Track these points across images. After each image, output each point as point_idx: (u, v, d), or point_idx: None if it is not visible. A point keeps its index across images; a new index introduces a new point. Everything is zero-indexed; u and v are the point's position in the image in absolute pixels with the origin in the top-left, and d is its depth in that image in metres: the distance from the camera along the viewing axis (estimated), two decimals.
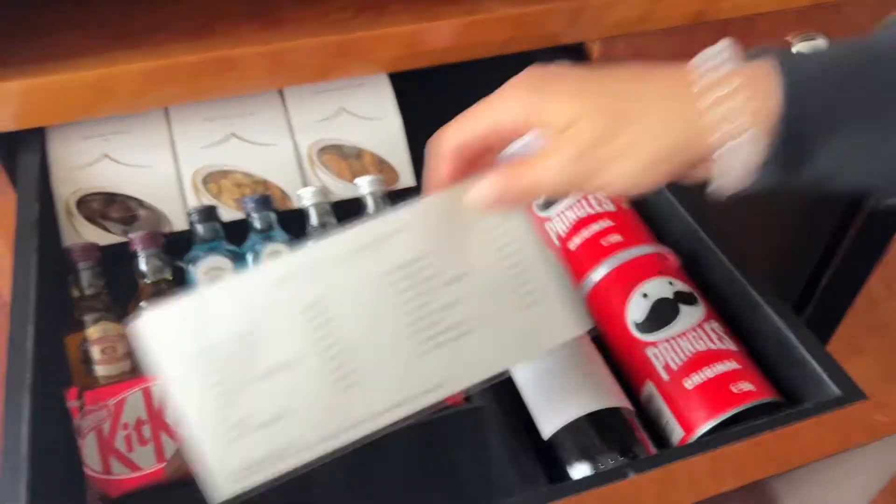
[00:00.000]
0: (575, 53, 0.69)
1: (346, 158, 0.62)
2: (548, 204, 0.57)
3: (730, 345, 0.45)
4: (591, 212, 0.54)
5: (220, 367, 0.36)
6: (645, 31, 0.68)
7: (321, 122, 0.63)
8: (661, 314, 0.47)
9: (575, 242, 0.53)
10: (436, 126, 0.69)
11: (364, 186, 0.56)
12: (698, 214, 0.52)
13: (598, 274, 0.51)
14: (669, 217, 0.54)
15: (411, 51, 0.62)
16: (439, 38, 0.62)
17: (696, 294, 0.48)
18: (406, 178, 0.63)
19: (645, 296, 0.48)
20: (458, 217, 0.39)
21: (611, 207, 0.54)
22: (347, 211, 0.57)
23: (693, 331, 0.46)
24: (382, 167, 0.62)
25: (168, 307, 0.37)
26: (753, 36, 0.73)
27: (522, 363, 0.45)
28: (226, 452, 0.36)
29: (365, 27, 0.60)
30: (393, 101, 0.64)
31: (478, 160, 0.39)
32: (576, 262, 0.53)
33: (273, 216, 0.55)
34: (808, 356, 0.43)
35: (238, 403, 0.36)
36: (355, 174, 0.60)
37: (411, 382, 0.38)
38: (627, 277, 0.49)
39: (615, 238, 0.52)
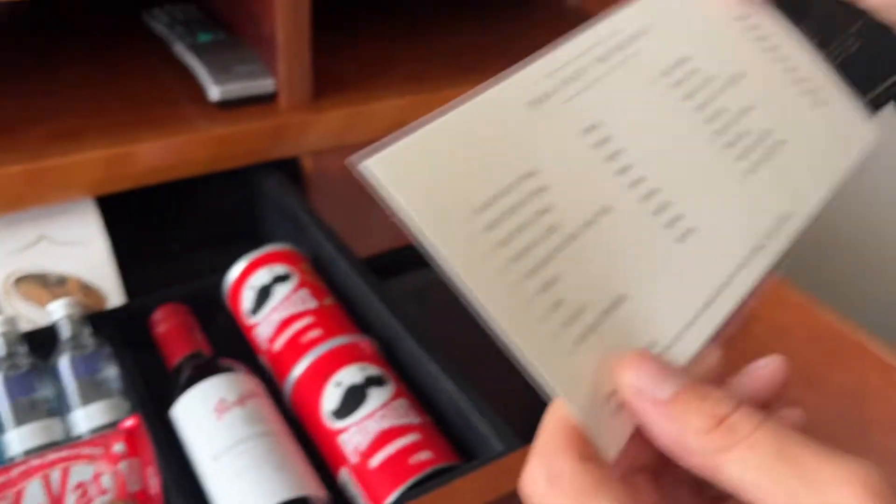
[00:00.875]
0: (290, 167, 0.74)
1: (48, 286, 0.60)
2: (254, 310, 0.58)
3: (413, 419, 0.48)
4: (294, 311, 0.56)
5: (510, 227, 0.24)
6: (350, 143, 0.73)
7: (18, 251, 0.61)
8: (352, 400, 0.49)
9: (279, 343, 0.55)
10: (152, 244, 0.69)
11: (57, 311, 0.55)
12: (392, 303, 0.56)
13: (298, 370, 0.52)
14: (369, 306, 0.58)
15: (112, 174, 0.63)
16: (142, 161, 0.64)
17: (386, 375, 0.51)
18: (115, 300, 0.62)
19: (338, 384, 0.50)
20: (694, 10, 0.33)
21: (313, 305, 0.57)
22: (45, 340, 0.56)
23: (380, 410, 0.48)
24: (88, 292, 0.61)
25: (410, 138, 0.24)
26: None
27: (845, 174, 0.34)
28: (571, 365, 0.23)
29: (59, 154, 0.60)
30: (98, 224, 0.64)
31: None
32: (281, 364, 0.54)
33: None
34: (478, 419, 0.47)
35: (557, 284, 0.24)
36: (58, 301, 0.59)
37: (754, 216, 0.29)
38: (323, 369, 0.51)
39: (315, 333, 0.54)
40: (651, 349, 0.25)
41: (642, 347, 0.25)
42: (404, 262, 0.82)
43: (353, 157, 0.23)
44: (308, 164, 0.74)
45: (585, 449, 0.23)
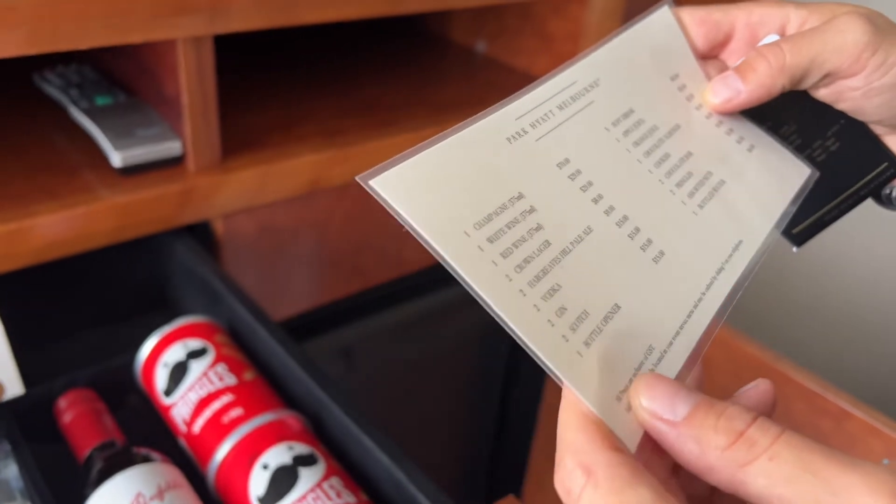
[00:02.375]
0: (200, 232, 0.70)
1: None
2: (169, 390, 0.54)
3: (348, 498, 0.46)
4: (213, 389, 0.53)
5: (509, 240, 0.26)
6: (264, 203, 0.71)
7: None
8: (282, 483, 0.46)
9: (198, 425, 0.52)
10: (52, 324, 0.64)
11: None
12: (318, 372, 0.54)
13: (220, 454, 0.49)
14: (293, 377, 0.55)
15: (4, 252, 0.58)
16: (38, 236, 0.59)
17: (316, 453, 0.48)
18: (14, 388, 0.57)
19: (265, 467, 0.47)
20: (637, 68, 0.37)
21: (232, 381, 0.53)
22: None
23: (312, 492, 0.45)
24: None
25: (414, 159, 0.26)
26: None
27: (790, 207, 0.37)
28: (583, 364, 0.25)
29: None
30: None
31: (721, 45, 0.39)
32: (203, 447, 0.51)
33: None
34: (416, 492, 0.44)
35: (559, 292, 0.26)
36: None
37: (711, 243, 0.32)
38: (248, 451, 0.48)
39: (236, 412, 0.51)
40: (650, 353, 0.27)
41: (652, 371, 0.26)
42: (326, 320, 0.80)
43: (360, 176, 0.25)
44: (219, 227, 0.70)
45: (613, 441, 0.23)
